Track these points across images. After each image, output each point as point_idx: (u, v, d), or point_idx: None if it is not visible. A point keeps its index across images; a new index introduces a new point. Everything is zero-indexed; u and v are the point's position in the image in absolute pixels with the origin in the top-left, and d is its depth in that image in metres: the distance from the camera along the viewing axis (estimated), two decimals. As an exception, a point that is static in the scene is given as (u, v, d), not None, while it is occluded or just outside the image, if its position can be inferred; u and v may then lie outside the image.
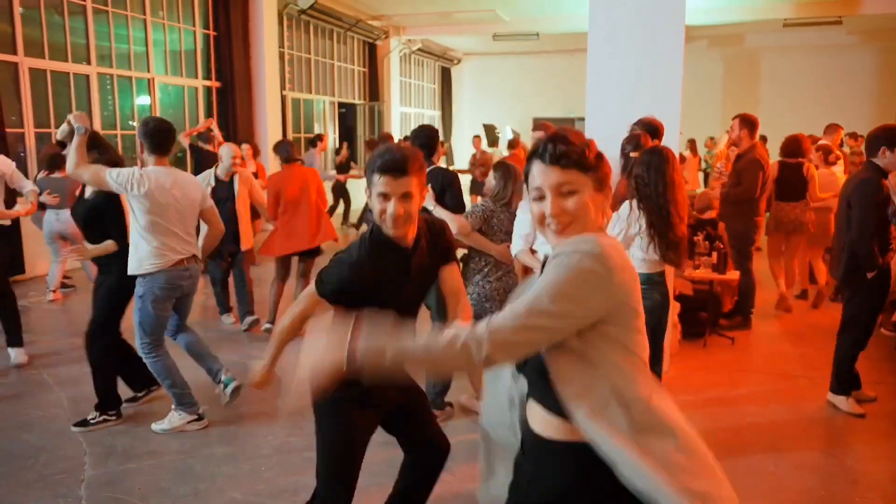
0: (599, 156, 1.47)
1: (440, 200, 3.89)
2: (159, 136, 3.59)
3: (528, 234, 3.62)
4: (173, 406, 3.76)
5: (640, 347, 1.43)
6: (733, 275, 5.29)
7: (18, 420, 3.89)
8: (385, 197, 2.03)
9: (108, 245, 3.77)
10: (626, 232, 3.15)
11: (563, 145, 1.42)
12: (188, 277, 3.70)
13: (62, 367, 4.74)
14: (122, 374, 4.01)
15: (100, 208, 3.76)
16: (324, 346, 1.44)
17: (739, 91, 16.81)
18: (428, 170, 4.03)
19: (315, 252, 5.52)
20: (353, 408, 2.18)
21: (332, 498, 2.23)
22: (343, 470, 2.22)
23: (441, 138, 5.26)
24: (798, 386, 4.49)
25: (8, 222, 4.96)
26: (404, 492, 2.50)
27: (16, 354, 4.75)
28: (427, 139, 4.09)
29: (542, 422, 1.48)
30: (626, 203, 3.21)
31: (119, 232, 3.78)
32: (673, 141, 4.19)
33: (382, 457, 2.93)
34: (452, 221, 3.61)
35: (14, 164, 5.04)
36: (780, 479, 3.27)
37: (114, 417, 3.82)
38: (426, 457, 2.47)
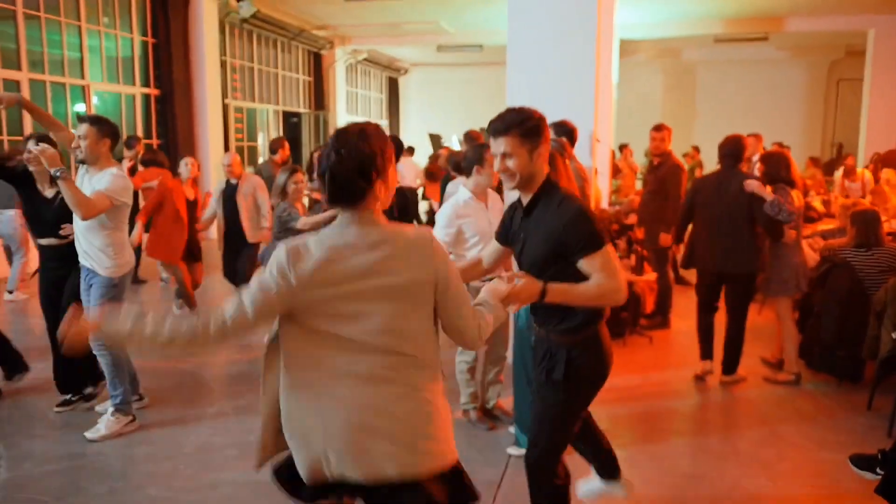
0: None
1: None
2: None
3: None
4: (111, 409, 3.73)
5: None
6: (650, 276, 5.57)
7: (-66, 427, 3.86)
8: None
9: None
10: None
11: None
12: None
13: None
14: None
15: None
16: None
17: (677, 103, 17.44)
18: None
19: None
20: None
21: None
22: None
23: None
24: (704, 379, 4.77)
25: None
26: None
27: None
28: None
29: None
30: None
31: None
32: (585, 149, 4.43)
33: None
34: None
35: None
36: (675, 463, 3.50)
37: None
38: None
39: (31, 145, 3.66)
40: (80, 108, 9.35)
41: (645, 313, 5.93)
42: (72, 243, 3.78)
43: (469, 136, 5.94)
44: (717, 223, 4.48)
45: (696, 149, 13.07)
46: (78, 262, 3.74)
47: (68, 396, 4.09)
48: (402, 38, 15.33)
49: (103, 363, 3.70)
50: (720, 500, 3.14)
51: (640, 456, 3.56)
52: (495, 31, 14.63)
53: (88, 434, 3.66)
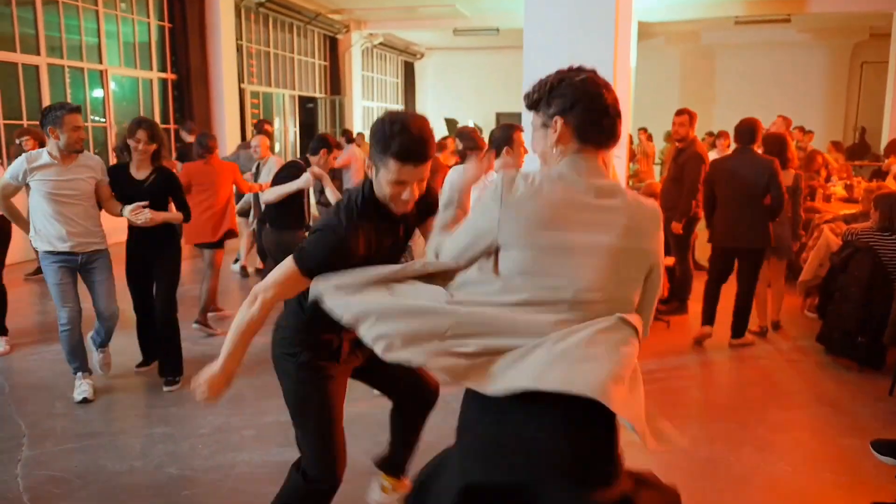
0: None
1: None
2: None
3: None
4: (82, 374, 3.99)
5: None
6: (668, 260, 5.52)
7: (-42, 405, 3.93)
8: (402, 184, 1.92)
9: (178, 215, 4.12)
10: None
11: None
12: None
13: (5, 354, 4.76)
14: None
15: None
16: None
17: (696, 87, 17.20)
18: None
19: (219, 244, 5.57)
20: (326, 365, 2.20)
21: (322, 460, 2.20)
22: (327, 426, 2.20)
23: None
24: (721, 363, 4.74)
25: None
26: (398, 436, 2.60)
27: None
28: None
29: None
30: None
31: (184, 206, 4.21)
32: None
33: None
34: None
35: None
36: (693, 448, 3.47)
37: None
38: (411, 399, 2.50)
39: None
40: (98, 93, 9.41)
41: (661, 298, 5.89)
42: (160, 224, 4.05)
43: (463, 134, 5.75)
44: (734, 202, 4.74)
45: (711, 134, 12.73)
46: (168, 242, 4.15)
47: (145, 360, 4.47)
48: (418, 21, 15.24)
49: (69, 343, 3.91)
50: (738, 485, 3.12)
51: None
52: (512, 14, 14.49)
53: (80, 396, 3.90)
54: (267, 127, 7.44)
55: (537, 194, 1.60)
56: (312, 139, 4.79)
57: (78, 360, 3.95)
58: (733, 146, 5.06)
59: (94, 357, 4.16)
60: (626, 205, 1.64)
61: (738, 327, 4.97)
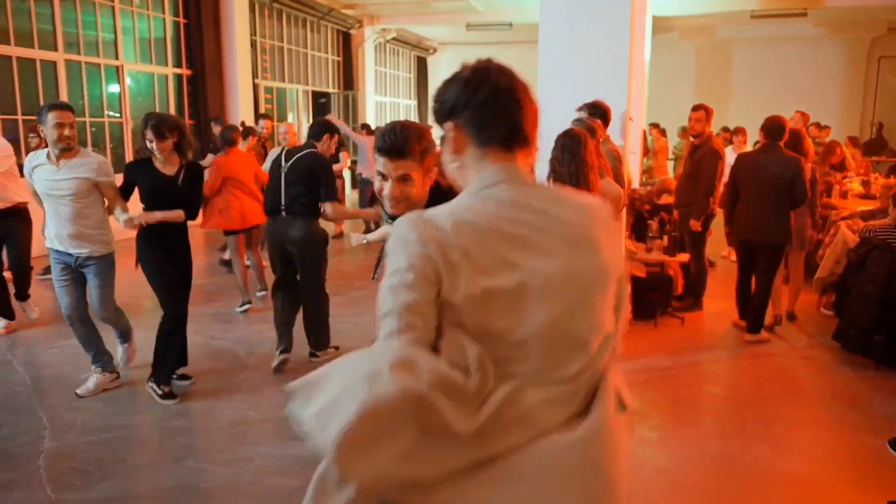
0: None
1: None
2: None
3: None
4: (100, 369, 4.06)
5: None
6: (682, 257, 5.50)
7: (-19, 398, 4.00)
8: (383, 176, 2.05)
9: (179, 214, 3.86)
10: None
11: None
12: None
13: (27, 347, 4.83)
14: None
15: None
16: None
17: (711, 82, 17.06)
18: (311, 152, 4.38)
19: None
20: None
21: None
22: None
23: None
24: (736, 360, 4.73)
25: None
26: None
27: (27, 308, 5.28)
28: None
29: None
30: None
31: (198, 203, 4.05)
32: (616, 129, 4.36)
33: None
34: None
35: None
36: (708, 444, 3.47)
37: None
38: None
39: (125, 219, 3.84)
40: (115, 88, 9.48)
41: (675, 294, 5.86)
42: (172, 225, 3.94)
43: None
44: (756, 196, 4.80)
45: (726, 130, 12.61)
46: (181, 239, 4.00)
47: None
48: (431, 16, 15.22)
49: (76, 337, 3.99)
50: (753, 482, 3.12)
51: (672, 437, 3.55)
52: (525, 8, 14.43)
53: (79, 391, 3.96)
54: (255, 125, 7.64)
55: (455, 233, 1.18)
56: (313, 125, 4.58)
57: (91, 350, 4.02)
58: (752, 142, 5.04)
59: (118, 351, 4.27)
60: (565, 210, 1.26)
61: (755, 324, 4.97)
